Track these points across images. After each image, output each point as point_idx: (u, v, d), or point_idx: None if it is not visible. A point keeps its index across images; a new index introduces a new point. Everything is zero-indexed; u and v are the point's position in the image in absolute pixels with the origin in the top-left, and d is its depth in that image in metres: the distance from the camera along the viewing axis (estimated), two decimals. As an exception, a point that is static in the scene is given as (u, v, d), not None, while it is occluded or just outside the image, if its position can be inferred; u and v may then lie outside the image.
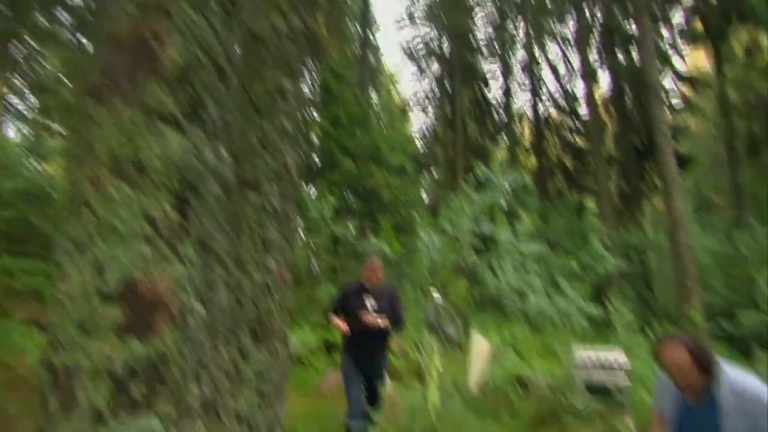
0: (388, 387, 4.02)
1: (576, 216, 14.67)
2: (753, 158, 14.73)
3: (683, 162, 13.22)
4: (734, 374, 1.92)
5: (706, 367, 1.92)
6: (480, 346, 2.62)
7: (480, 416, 4.50)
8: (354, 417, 3.51)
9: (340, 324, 3.60)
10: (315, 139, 11.13)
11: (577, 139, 17.87)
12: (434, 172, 20.13)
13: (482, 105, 19.40)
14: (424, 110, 20.80)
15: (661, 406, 2.23)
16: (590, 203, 15.01)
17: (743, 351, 7.40)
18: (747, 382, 1.90)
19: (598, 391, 4.25)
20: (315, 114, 12.03)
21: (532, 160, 19.10)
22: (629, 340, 5.50)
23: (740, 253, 12.51)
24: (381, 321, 3.51)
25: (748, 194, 14.55)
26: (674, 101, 15.80)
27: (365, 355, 3.60)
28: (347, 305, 3.64)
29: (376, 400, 3.68)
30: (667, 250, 11.21)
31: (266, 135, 2.70)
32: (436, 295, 2.79)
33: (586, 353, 4.23)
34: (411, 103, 20.90)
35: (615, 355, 4.27)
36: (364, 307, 3.56)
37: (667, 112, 13.67)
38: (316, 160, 10.93)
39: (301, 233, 9.16)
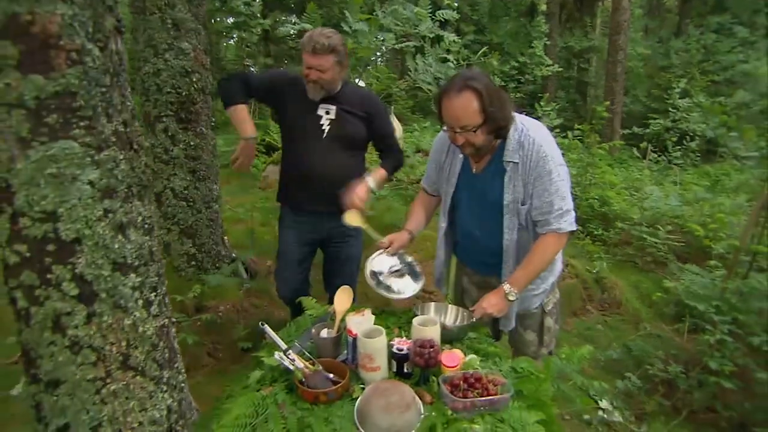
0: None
1: (527, 18, 14.19)
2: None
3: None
4: (528, 124, 1.55)
5: (497, 129, 1.50)
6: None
7: (406, 202, 5.22)
8: (284, 299, 2.30)
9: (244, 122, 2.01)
10: None
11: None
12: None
13: None
14: None
15: (433, 177, 1.80)
16: (543, 5, 14.35)
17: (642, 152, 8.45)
18: (537, 131, 1.54)
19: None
20: None
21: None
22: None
23: (671, 61, 12.95)
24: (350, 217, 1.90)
25: (696, -2, 14.29)
26: None
27: (312, 208, 2.10)
28: (281, 110, 2.08)
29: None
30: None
31: None
32: (358, 80, 2.90)
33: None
34: None
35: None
36: (314, 123, 2.01)
37: None
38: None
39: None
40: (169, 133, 2.52)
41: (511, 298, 1.58)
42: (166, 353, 1.29)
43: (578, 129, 6.09)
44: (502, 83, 10.99)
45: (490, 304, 1.58)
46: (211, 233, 2.82)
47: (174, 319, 1.36)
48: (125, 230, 1.12)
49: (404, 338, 1.40)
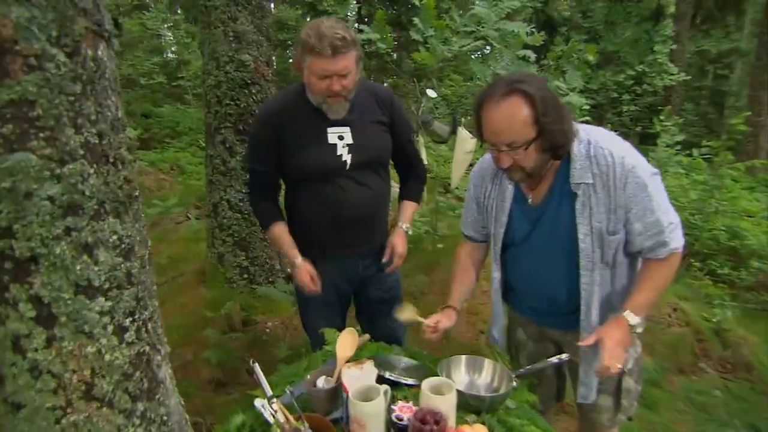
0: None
1: (651, 22, 12.67)
2: None
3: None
4: (597, 134, 1.24)
5: (554, 148, 1.18)
6: (464, 143, 2.62)
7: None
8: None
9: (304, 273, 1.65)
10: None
11: None
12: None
13: None
14: None
15: (474, 218, 1.47)
16: (671, 7, 12.71)
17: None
18: (610, 140, 1.23)
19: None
20: None
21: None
22: (666, 160, 5.21)
23: None
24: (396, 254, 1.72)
25: None
26: None
27: (341, 253, 1.70)
28: (287, 147, 1.59)
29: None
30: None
31: None
32: (429, 90, 2.68)
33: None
34: None
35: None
36: (331, 156, 1.57)
37: None
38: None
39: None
40: (227, 145, 2.56)
41: (639, 330, 1.26)
42: (144, 384, 1.18)
43: (706, 146, 5.14)
44: (616, 95, 9.88)
45: (615, 339, 1.20)
46: (266, 246, 2.80)
47: (159, 347, 1.26)
48: (92, 251, 1.03)
49: (412, 403, 1.13)
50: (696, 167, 4.85)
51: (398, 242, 1.71)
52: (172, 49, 13.59)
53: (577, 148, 1.22)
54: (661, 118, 6.12)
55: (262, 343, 2.58)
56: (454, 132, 2.82)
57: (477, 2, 2.48)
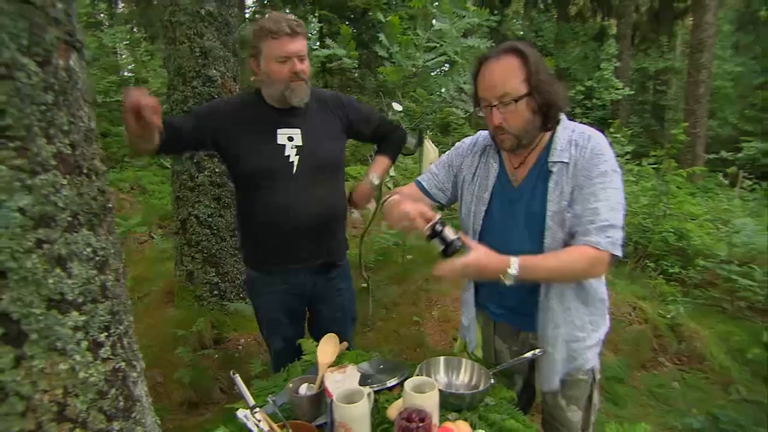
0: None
1: (596, 42, 13.51)
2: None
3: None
4: (582, 126, 1.31)
5: (546, 107, 1.22)
6: (429, 154, 2.69)
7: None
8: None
9: None
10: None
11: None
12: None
13: None
14: None
15: (439, 178, 1.47)
16: (613, 28, 13.62)
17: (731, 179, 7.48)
18: (593, 131, 1.29)
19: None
20: None
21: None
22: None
23: None
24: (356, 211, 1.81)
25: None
26: None
27: (289, 266, 1.63)
28: (227, 154, 1.55)
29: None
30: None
31: None
32: (395, 103, 2.75)
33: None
34: None
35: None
36: (278, 158, 1.52)
37: None
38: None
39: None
40: (195, 160, 2.52)
41: (511, 270, 1.15)
42: (120, 402, 1.13)
43: (653, 155, 5.50)
44: (569, 109, 10.42)
45: (481, 262, 1.16)
46: (236, 262, 2.75)
47: (135, 363, 1.22)
48: (65, 263, 1.00)
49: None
50: (645, 175, 5.17)
51: (363, 190, 1.71)
52: (129, 67, 13.18)
53: (561, 132, 1.27)
54: (612, 130, 6.50)
55: (235, 361, 2.52)
56: (420, 143, 2.90)
57: (436, 20, 2.58)
